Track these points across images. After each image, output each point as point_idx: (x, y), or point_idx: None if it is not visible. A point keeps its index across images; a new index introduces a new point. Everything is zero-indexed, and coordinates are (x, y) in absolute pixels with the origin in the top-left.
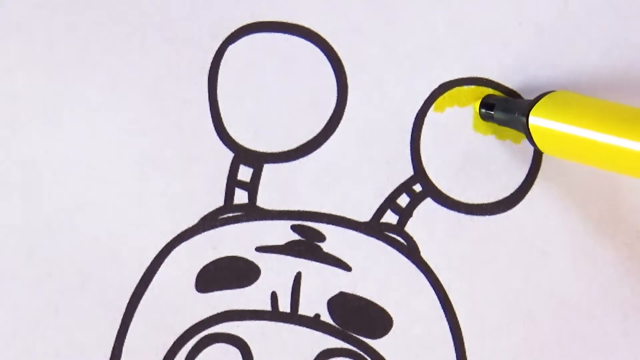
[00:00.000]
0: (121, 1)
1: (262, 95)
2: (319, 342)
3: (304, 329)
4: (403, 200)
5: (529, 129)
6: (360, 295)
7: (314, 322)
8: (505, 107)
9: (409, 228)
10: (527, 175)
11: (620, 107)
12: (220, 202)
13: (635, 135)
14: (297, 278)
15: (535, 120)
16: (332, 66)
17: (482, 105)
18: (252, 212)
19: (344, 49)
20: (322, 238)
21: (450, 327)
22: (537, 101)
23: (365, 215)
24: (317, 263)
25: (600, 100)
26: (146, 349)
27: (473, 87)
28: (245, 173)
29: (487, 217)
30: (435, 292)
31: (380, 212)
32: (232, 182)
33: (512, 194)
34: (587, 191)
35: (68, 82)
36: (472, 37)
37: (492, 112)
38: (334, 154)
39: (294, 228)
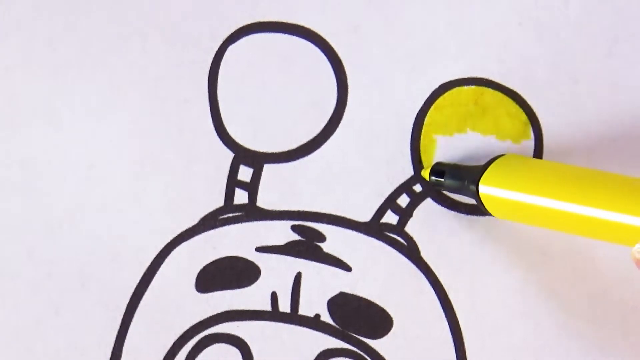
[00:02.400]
0: (121, 1)
1: (262, 95)
2: (319, 342)
3: (304, 329)
4: (403, 200)
5: (479, 197)
6: (360, 295)
7: (314, 322)
8: (455, 175)
9: (409, 228)
10: None
11: (572, 170)
12: (220, 202)
13: (587, 199)
14: (297, 278)
15: (485, 188)
16: (332, 66)
17: (432, 173)
18: (252, 212)
19: (344, 49)
20: (322, 238)
21: (450, 327)
22: (486, 168)
23: (365, 216)
24: (317, 263)
25: (550, 162)
26: (146, 349)
27: (473, 87)
28: (245, 173)
29: (487, 217)
30: (435, 292)
31: (381, 212)
32: (232, 182)
33: None
34: None
35: (68, 82)
36: (472, 37)
37: (442, 180)
38: (334, 154)
39: (294, 228)
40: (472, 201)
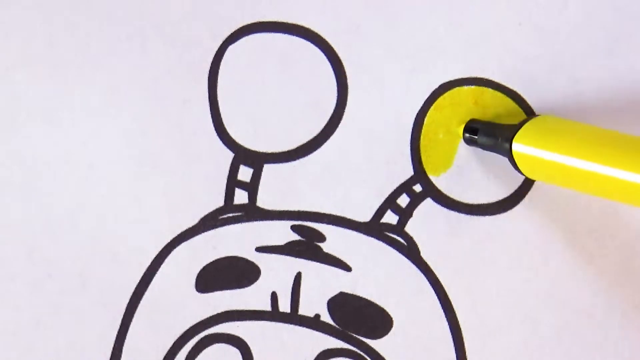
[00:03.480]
0: (121, 1)
1: (262, 95)
2: (319, 342)
3: (304, 329)
4: (403, 200)
5: (512, 155)
6: (360, 295)
7: (314, 323)
8: (489, 132)
9: (409, 228)
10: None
11: (605, 133)
12: (220, 202)
13: (620, 162)
14: (297, 278)
15: (519, 146)
16: (332, 66)
17: (465, 130)
18: (252, 212)
19: (344, 49)
20: (322, 238)
21: (450, 327)
22: (521, 127)
23: (365, 216)
24: (317, 263)
25: (585, 125)
26: (146, 349)
27: (473, 87)
28: (245, 173)
29: (487, 217)
30: (435, 292)
31: (380, 212)
32: (232, 182)
33: (512, 194)
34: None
35: (68, 82)
36: (472, 38)
37: (476, 137)
38: (334, 154)
39: (294, 228)
40: (472, 201)
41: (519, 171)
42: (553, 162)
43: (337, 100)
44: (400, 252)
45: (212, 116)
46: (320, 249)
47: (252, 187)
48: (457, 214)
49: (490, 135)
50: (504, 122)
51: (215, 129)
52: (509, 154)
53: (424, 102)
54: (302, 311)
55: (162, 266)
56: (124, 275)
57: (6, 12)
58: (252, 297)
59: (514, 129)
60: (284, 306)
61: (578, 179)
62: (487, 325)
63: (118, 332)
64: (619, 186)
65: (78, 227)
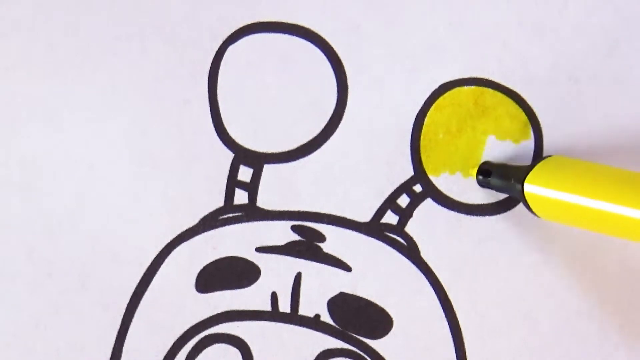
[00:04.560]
0: (121, 2)
1: (262, 95)
2: (319, 343)
3: (304, 329)
4: (403, 200)
5: (524, 197)
6: (360, 295)
7: (314, 323)
8: (501, 174)
9: (409, 228)
10: None
11: (617, 172)
12: (220, 202)
13: (635, 201)
14: (297, 278)
15: (531, 187)
16: (332, 66)
17: (479, 172)
18: (252, 213)
19: (344, 49)
20: (322, 238)
21: (450, 327)
22: (532, 168)
23: (365, 216)
24: (317, 263)
25: (597, 164)
26: (146, 349)
27: (473, 87)
28: (245, 173)
29: (487, 217)
30: (435, 292)
31: (381, 212)
32: (232, 183)
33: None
34: None
35: (68, 82)
36: (472, 37)
37: (489, 179)
38: (334, 154)
39: (294, 228)
40: (472, 201)
41: (532, 212)
42: (565, 202)
43: (337, 100)
44: (400, 252)
45: (212, 116)
46: (320, 249)
47: (252, 187)
48: (457, 214)
49: (502, 177)
50: (503, 122)
51: (215, 129)
52: (521, 195)
53: (424, 102)
54: (302, 311)
55: (162, 266)
56: (124, 275)
57: (6, 12)
58: (252, 297)
59: (525, 170)
60: (284, 306)
61: (591, 219)
62: (487, 325)
63: (118, 332)
64: (634, 225)
65: (78, 227)
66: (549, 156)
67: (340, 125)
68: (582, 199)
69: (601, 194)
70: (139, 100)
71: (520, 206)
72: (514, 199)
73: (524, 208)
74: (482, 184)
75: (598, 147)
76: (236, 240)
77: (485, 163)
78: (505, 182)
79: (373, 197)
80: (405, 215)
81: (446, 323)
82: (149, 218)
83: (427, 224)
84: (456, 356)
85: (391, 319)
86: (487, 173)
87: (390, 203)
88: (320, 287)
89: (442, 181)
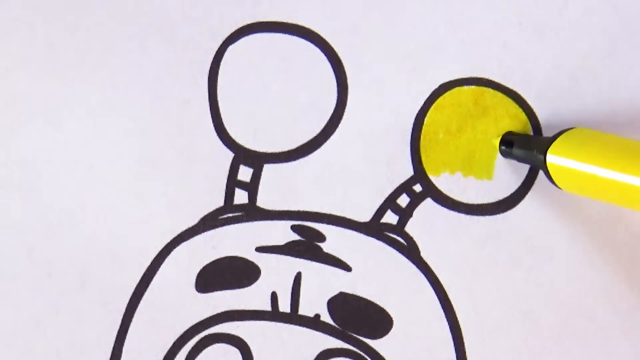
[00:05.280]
0: (121, 1)
1: (262, 95)
2: (319, 343)
3: (304, 329)
4: (403, 200)
5: (546, 167)
6: (360, 295)
7: (314, 323)
8: (524, 145)
9: (409, 228)
10: (527, 175)
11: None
12: (220, 202)
13: None
14: (297, 278)
15: (553, 158)
16: (332, 66)
17: (502, 143)
18: (252, 212)
19: (344, 49)
20: (322, 238)
21: (450, 327)
22: (555, 139)
23: (365, 216)
24: (317, 263)
25: (619, 137)
26: (146, 349)
27: (473, 87)
28: (245, 173)
29: (487, 217)
30: (435, 292)
31: (381, 212)
32: (232, 182)
33: (512, 194)
34: None
35: (68, 82)
36: (472, 37)
37: (512, 150)
38: (334, 154)
39: (294, 228)
40: (472, 201)
41: (554, 183)
42: (587, 173)
43: (337, 100)
44: (400, 252)
45: (212, 116)
46: (320, 249)
47: (252, 187)
48: (457, 214)
49: (525, 147)
50: (503, 122)
51: (215, 129)
52: (543, 166)
53: (424, 102)
54: (302, 311)
55: (162, 266)
56: (124, 275)
57: (6, 12)
58: (252, 297)
59: (549, 141)
60: (284, 306)
61: (613, 191)
62: (487, 325)
63: (118, 332)
64: None
65: (78, 227)
66: (572, 128)
67: (340, 125)
68: (605, 170)
69: (624, 166)
70: (139, 100)
71: (521, 206)
72: (513, 198)
73: (524, 208)
74: (504, 154)
75: None
76: (236, 240)
77: (509, 133)
78: (527, 152)
79: (373, 197)
80: (405, 215)
81: (446, 323)
82: (149, 218)
83: (427, 224)
84: (456, 356)
85: (391, 319)
86: (510, 143)
87: (390, 203)
88: (320, 287)
89: (442, 181)
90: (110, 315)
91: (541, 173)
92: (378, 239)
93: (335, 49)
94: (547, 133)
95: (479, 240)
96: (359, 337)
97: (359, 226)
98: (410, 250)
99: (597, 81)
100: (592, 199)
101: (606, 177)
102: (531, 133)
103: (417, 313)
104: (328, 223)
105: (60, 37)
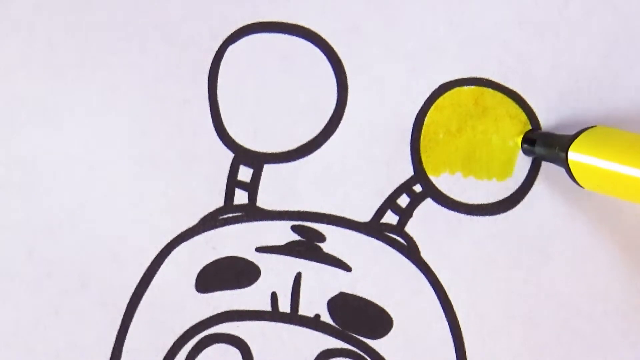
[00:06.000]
0: (121, 2)
1: (262, 95)
2: (319, 343)
3: (304, 329)
4: (403, 200)
5: (568, 165)
6: (360, 295)
7: (314, 323)
8: (546, 143)
9: (409, 228)
10: (527, 176)
11: None
12: (220, 202)
13: None
14: (297, 278)
15: (575, 155)
16: (332, 66)
17: (524, 141)
18: (252, 213)
19: (344, 49)
20: (322, 238)
21: (450, 327)
22: (577, 137)
23: (365, 216)
24: (317, 263)
25: None
26: (146, 349)
27: (473, 87)
28: (245, 173)
29: (487, 217)
30: (435, 292)
31: (381, 212)
32: (232, 183)
33: (512, 194)
34: (586, 191)
35: (68, 82)
36: (472, 37)
37: (534, 147)
38: (334, 154)
39: (294, 228)
40: (472, 201)
41: (575, 181)
42: (608, 170)
43: (337, 100)
44: (400, 252)
45: (212, 116)
46: (320, 249)
47: (252, 187)
48: (457, 214)
49: (547, 145)
50: (503, 122)
51: (215, 129)
52: (565, 164)
53: (424, 102)
54: (302, 311)
55: (162, 266)
56: (124, 275)
57: (6, 12)
58: (252, 297)
59: (570, 139)
60: (284, 306)
61: (633, 188)
62: (487, 325)
63: (118, 332)
64: None
65: (78, 227)
66: (593, 126)
67: (340, 125)
68: (626, 168)
69: None
70: (139, 100)
71: (521, 206)
72: (513, 199)
73: (524, 208)
74: (526, 152)
75: None
76: (236, 240)
77: (530, 131)
78: (549, 150)
79: (373, 197)
80: (405, 215)
81: (446, 323)
82: (149, 218)
83: (427, 224)
84: (456, 356)
85: (391, 319)
86: (532, 142)
87: (390, 203)
88: (320, 287)
89: (442, 181)
90: (110, 315)
91: (541, 172)
92: (378, 239)
93: (335, 49)
94: None
95: (479, 240)
96: (359, 337)
97: (359, 226)
98: (410, 251)
99: (597, 81)
100: (612, 197)
101: (627, 174)
102: None
103: (417, 313)
104: (328, 223)
105: (60, 37)
